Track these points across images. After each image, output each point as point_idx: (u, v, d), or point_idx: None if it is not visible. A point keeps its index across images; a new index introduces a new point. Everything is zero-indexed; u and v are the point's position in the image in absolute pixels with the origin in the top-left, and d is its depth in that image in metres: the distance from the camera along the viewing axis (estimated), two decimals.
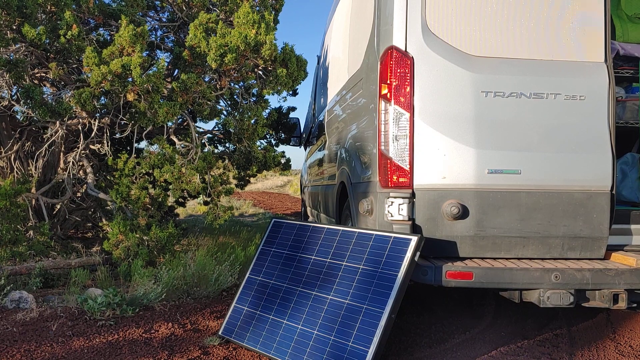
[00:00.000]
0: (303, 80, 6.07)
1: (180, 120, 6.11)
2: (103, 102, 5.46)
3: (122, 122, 5.55)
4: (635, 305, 3.36)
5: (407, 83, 3.42)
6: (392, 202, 3.41)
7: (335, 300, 3.16)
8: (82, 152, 5.82)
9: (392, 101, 3.42)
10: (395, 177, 3.41)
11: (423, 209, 3.39)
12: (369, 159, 3.73)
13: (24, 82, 5.13)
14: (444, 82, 3.42)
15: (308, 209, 8.26)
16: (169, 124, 5.62)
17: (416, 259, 3.05)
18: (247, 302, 3.61)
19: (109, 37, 6.02)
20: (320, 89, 6.93)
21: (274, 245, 3.81)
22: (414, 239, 3.09)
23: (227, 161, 6.63)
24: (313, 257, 3.51)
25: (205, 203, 6.67)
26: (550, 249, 3.45)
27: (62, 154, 6.35)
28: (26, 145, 6.42)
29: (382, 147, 3.46)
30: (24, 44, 5.13)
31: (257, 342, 3.32)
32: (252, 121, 5.96)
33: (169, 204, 6.93)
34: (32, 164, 6.24)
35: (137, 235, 5.09)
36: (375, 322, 2.90)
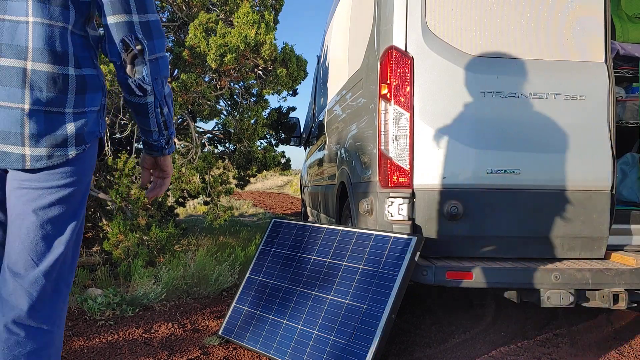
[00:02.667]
0: (303, 80, 6.07)
1: (180, 120, 6.11)
2: None
3: (122, 122, 5.54)
4: (635, 305, 3.36)
5: (407, 83, 3.42)
6: (392, 202, 3.41)
7: (335, 300, 3.16)
8: None
9: (392, 101, 3.42)
10: (395, 177, 3.41)
11: (423, 209, 3.39)
12: (369, 159, 3.73)
13: None
14: (444, 82, 3.42)
15: (308, 209, 8.25)
16: None
17: (416, 259, 3.05)
18: (247, 302, 3.61)
19: None
20: (320, 89, 6.93)
21: (274, 245, 3.81)
22: (414, 239, 3.09)
23: (227, 161, 6.63)
24: (313, 257, 3.50)
25: (205, 203, 6.67)
26: (550, 249, 3.44)
27: None
28: None
29: (382, 147, 3.46)
30: None
31: (257, 342, 3.32)
32: (252, 121, 5.96)
33: (169, 204, 6.92)
34: None
35: (137, 235, 5.09)
36: (375, 322, 2.90)
